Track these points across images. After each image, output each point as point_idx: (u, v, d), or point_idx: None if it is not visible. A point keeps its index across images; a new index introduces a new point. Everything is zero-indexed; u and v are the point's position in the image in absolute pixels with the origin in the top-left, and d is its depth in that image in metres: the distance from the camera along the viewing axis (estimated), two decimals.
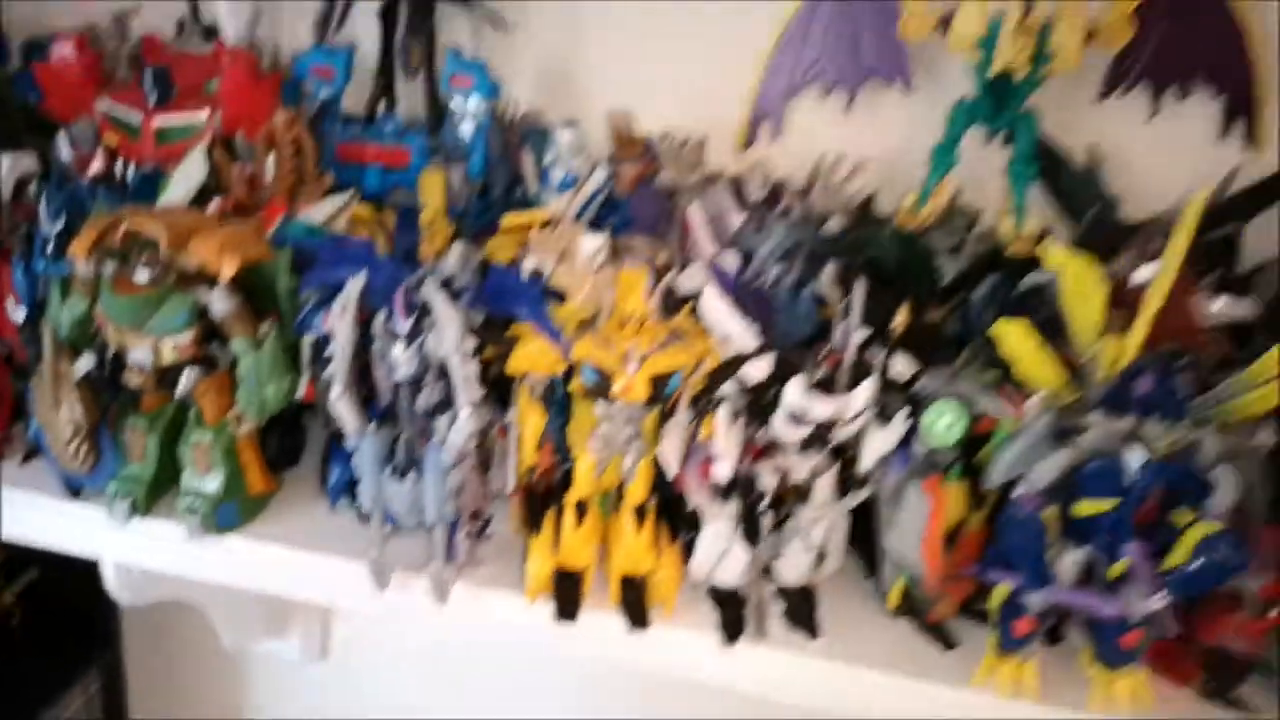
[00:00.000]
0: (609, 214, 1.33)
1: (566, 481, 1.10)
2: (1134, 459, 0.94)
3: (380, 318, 1.04)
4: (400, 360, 1.04)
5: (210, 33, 1.36)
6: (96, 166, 1.23)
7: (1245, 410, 0.98)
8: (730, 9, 1.34)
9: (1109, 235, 1.25)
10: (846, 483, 1.08)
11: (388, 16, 1.33)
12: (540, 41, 1.41)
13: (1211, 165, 1.27)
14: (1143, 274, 1.07)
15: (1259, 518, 0.98)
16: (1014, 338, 0.98)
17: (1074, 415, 0.97)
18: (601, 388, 1.04)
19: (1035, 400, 0.97)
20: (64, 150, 1.24)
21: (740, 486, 1.05)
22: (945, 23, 1.22)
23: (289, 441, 1.25)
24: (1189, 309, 1.08)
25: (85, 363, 1.11)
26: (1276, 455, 0.97)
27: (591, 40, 1.41)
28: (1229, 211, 1.27)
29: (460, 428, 1.04)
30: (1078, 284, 0.98)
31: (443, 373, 1.05)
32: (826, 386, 1.01)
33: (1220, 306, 1.09)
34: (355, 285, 1.03)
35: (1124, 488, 0.95)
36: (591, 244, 1.17)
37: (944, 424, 1.00)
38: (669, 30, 1.38)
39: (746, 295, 1.10)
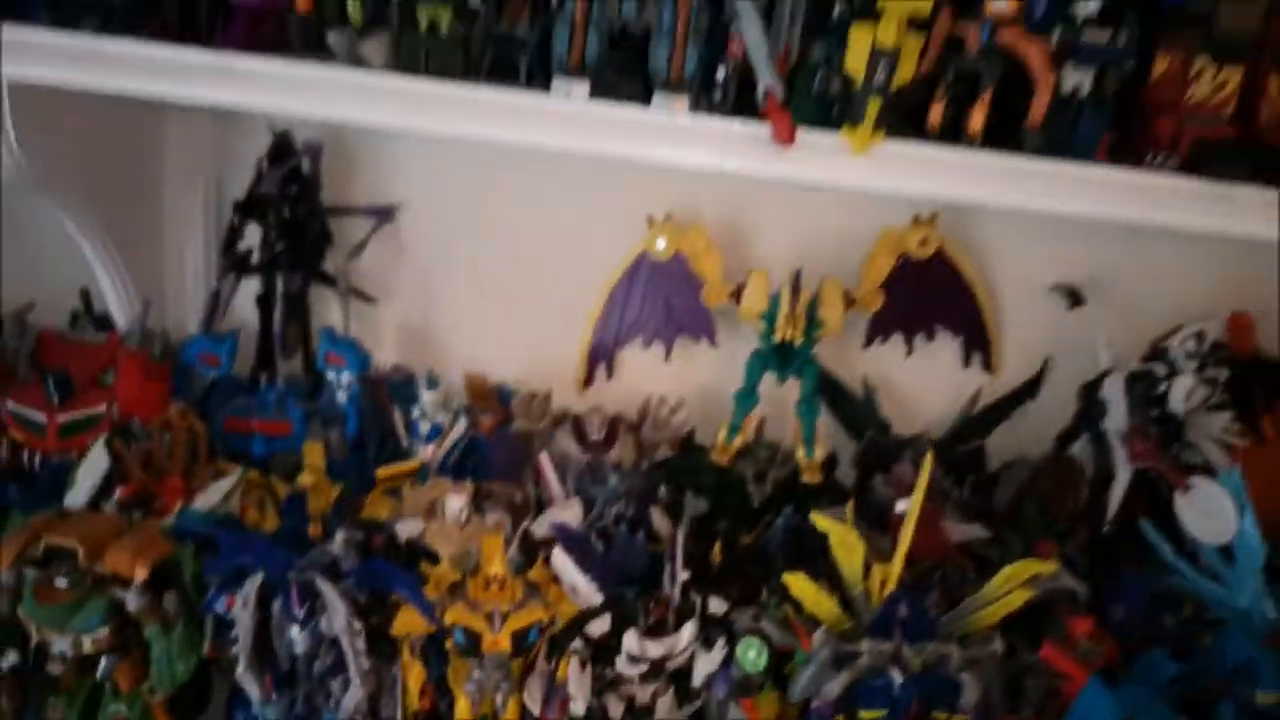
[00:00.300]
0: (470, 455, 1.55)
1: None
2: (896, 677, 1.20)
3: (277, 604, 1.22)
4: (297, 639, 1.22)
5: (102, 323, 1.53)
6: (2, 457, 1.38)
7: (981, 623, 1.25)
8: (562, 276, 1.58)
9: (882, 451, 1.54)
10: (682, 697, 1.31)
11: (264, 302, 1.52)
12: (401, 308, 1.62)
13: (960, 386, 1.58)
14: (901, 506, 1.34)
15: (998, 709, 1.25)
16: (798, 585, 1.23)
17: (851, 641, 1.22)
18: (472, 646, 1.24)
19: (819, 634, 1.22)
20: None
21: (594, 717, 1.27)
22: (738, 293, 1.49)
23: (196, 693, 1.40)
24: (938, 534, 1.36)
25: (10, 658, 1.25)
26: (1006, 659, 1.25)
27: (444, 304, 1.63)
28: (976, 427, 1.58)
29: (352, 694, 1.22)
30: (841, 544, 1.24)
31: (334, 643, 1.24)
32: (658, 631, 1.24)
33: (961, 532, 1.37)
34: (254, 582, 1.21)
35: (892, 698, 1.21)
36: (456, 503, 1.39)
37: (751, 656, 1.24)
38: (511, 293, 1.61)
39: (588, 543, 1.33)
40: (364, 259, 1.57)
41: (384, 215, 1.55)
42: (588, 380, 1.63)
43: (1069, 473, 1.48)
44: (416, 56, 1.04)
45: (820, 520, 1.25)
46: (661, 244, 1.50)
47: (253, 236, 1.51)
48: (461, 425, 1.54)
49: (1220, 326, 1.44)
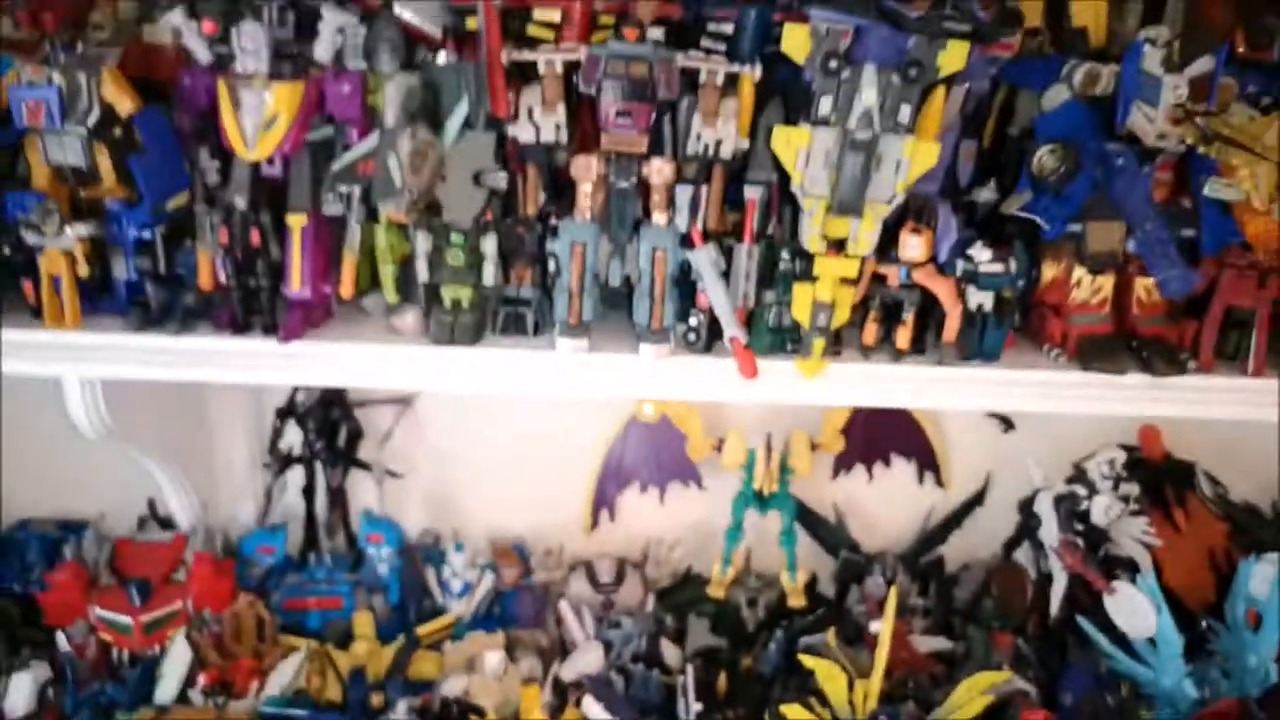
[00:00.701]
0: (496, 605, 1.77)
1: None
2: None
3: None
4: None
5: (167, 524, 1.74)
6: (91, 655, 1.59)
7: None
8: (564, 439, 1.81)
9: (855, 568, 1.78)
10: None
11: (308, 493, 1.74)
12: (425, 477, 1.84)
13: (918, 502, 1.83)
14: (874, 626, 1.58)
15: None
16: (793, 714, 1.46)
17: None
18: None
19: None
20: (63, 645, 1.59)
21: None
22: (719, 446, 1.72)
23: None
24: (908, 648, 1.59)
25: None
26: None
27: (463, 471, 1.85)
28: (935, 537, 1.83)
29: None
30: (826, 677, 1.47)
31: None
32: None
33: (928, 644, 1.61)
34: None
35: None
36: (494, 659, 1.61)
37: None
38: (521, 455, 1.83)
39: (612, 687, 1.56)
40: (390, 439, 1.79)
41: (405, 404, 1.77)
42: (593, 524, 1.86)
43: (1016, 576, 1.73)
44: (444, 331, 1.27)
45: (807, 660, 1.48)
46: (649, 410, 1.73)
47: (292, 435, 1.73)
48: (488, 580, 1.76)
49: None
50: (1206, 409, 1.29)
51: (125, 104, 1.22)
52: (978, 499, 1.82)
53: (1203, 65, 1.20)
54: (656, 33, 1.28)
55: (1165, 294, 1.23)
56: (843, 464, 1.79)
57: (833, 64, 1.11)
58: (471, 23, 1.29)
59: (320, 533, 1.76)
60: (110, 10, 1.35)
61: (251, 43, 1.19)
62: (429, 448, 1.83)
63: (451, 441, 1.84)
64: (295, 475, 1.76)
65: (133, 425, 1.48)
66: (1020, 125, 1.41)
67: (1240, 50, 1.37)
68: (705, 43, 1.30)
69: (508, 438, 1.82)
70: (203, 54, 1.23)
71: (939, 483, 1.83)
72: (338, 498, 1.74)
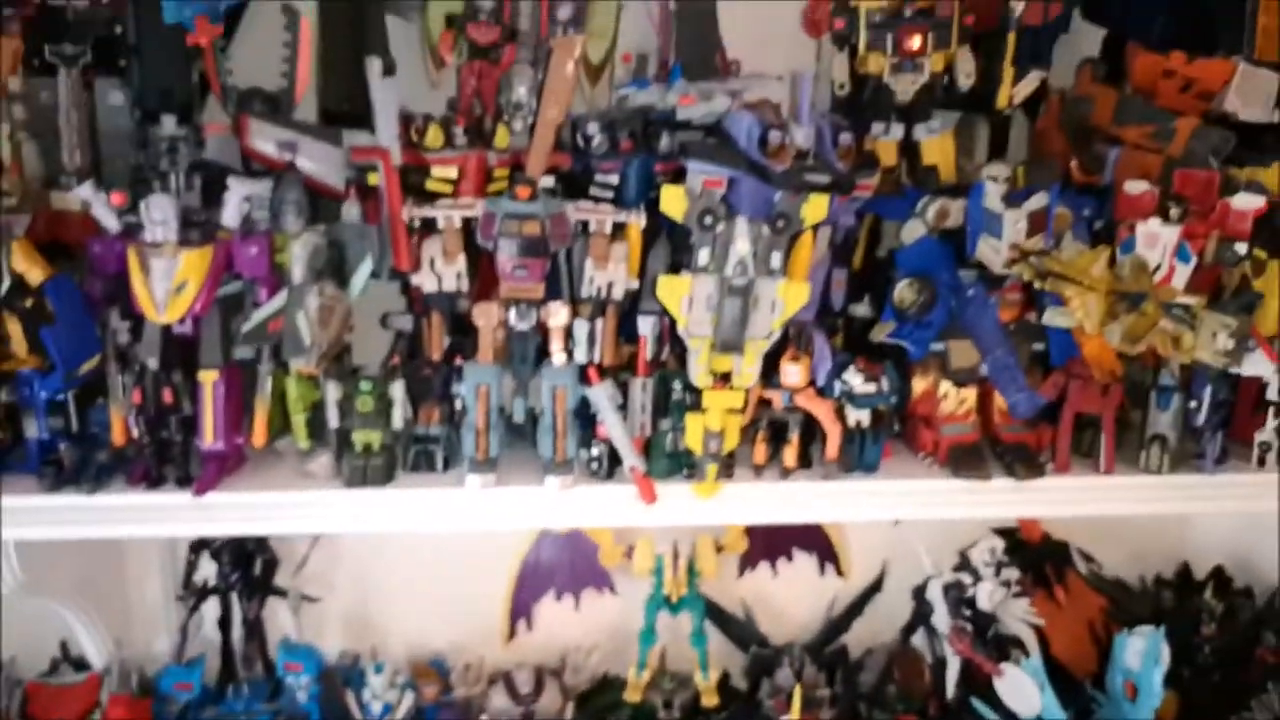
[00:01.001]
0: None
1: None
2: None
3: None
4: None
5: (80, 665, 1.72)
6: None
7: None
8: (479, 552, 1.86)
9: (765, 661, 1.86)
10: None
11: (224, 623, 1.75)
12: (342, 598, 1.87)
13: (821, 592, 1.92)
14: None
15: None
16: None
17: None
18: None
19: None
20: None
21: None
22: (629, 553, 1.79)
23: None
24: None
25: None
26: None
27: (380, 590, 1.89)
28: (838, 626, 1.92)
29: None
30: None
31: None
32: None
33: None
34: None
35: None
36: None
37: None
38: (436, 571, 1.87)
39: None
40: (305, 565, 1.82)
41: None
42: (512, 634, 1.90)
43: (914, 661, 1.83)
44: (357, 474, 1.33)
45: None
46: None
47: (207, 567, 1.75)
48: (409, 700, 1.79)
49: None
50: (1066, 508, 1.42)
51: (35, 274, 1.26)
52: (876, 586, 1.92)
53: (1038, 200, 1.35)
54: (548, 180, 1.39)
55: (1014, 415, 1.36)
56: (748, 562, 1.88)
57: (708, 220, 1.22)
58: (373, 178, 1.38)
59: (238, 664, 1.76)
60: (17, 177, 1.40)
61: (160, 213, 1.24)
62: (345, 569, 1.86)
63: (367, 560, 1.87)
64: (211, 607, 1.77)
65: (45, 576, 1.49)
66: (887, 247, 1.55)
67: (1075, 177, 1.54)
68: (593, 190, 1.41)
69: (423, 553, 1.86)
70: (112, 223, 1.28)
71: (839, 573, 1.92)
72: (254, 628, 1.76)
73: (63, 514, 1.30)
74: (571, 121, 1.43)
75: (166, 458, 1.32)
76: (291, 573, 1.79)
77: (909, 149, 1.50)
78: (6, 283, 1.25)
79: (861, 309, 1.53)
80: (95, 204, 1.27)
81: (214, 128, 1.42)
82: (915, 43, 1.41)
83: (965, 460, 1.40)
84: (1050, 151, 1.60)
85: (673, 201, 1.23)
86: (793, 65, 1.59)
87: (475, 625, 1.89)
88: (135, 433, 1.31)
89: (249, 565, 1.75)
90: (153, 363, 1.29)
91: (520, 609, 1.90)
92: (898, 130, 1.47)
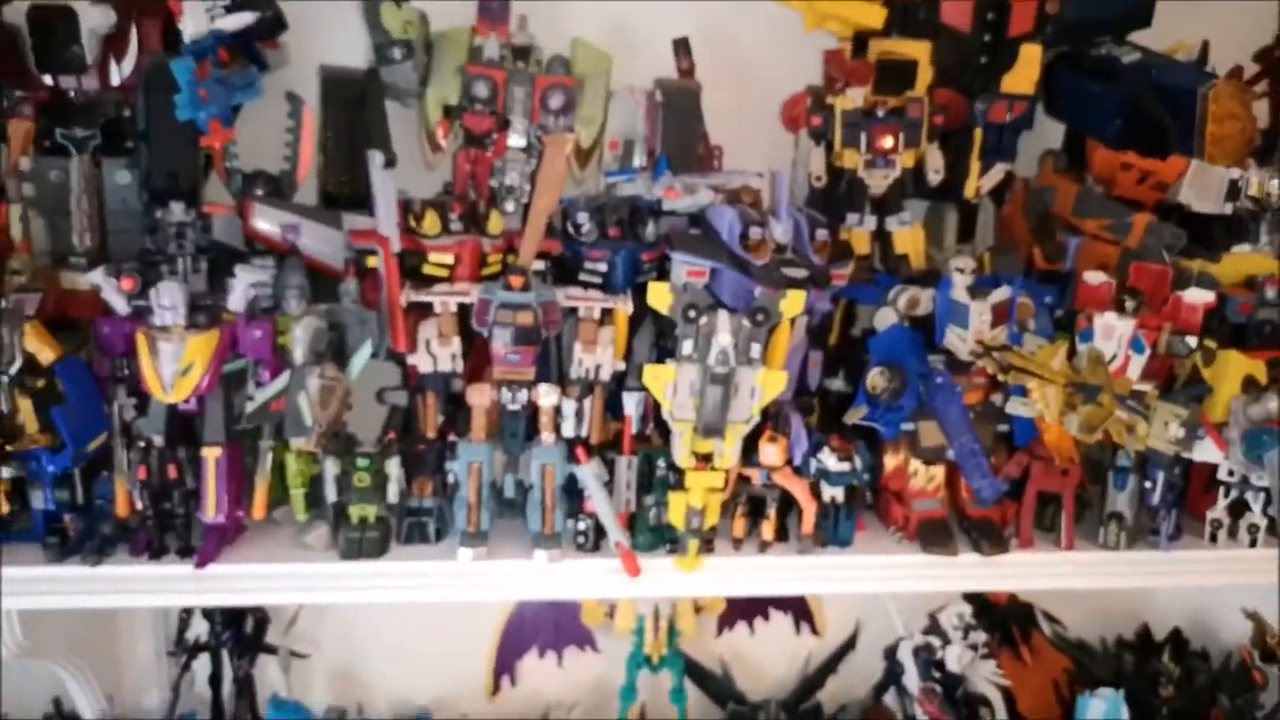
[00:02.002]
0: None
1: None
2: None
3: None
4: None
5: None
6: None
7: None
8: (463, 609, 1.91)
9: (742, 718, 1.92)
10: None
11: (214, 681, 1.79)
12: (329, 655, 1.92)
13: (796, 650, 1.98)
14: None
15: None
16: None
17: None
18: None
19: None
20: None
21: None
22: (611, 612, 1.85)
23: None
24: None
25: None
26: None
27: (366, 646, 1.94)
28: (814, 682, 1.98)
29: None
30: None
31: None
32: None
33: None
34: None
35: None
36: None
37: None
38: (422, 627, 1.92)
39: None
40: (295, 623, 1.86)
41: None
42: (495, 689, 1.96)
43: (885, 718, 1.89)
44: (353, 546, 1.38)
45: None
46: None
47: (199, 624, 1.79)
48: None
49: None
50: (1029, 581, 1.49)
51: (46, 354, 1.31)
52: (849, 645, 1.99)
53: (1002, 293, 1.43)
54: (538, 264, 1.46)
55: (979, 501, 1.43)
56: (726, 621, 1.94)
57: (691, 313, 1.29)
58: (372, 260, 1.45)
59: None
60: (27, 256, 1.45)
61: (170, 299, 1.30)
62: (332, 626, 1.91)
63: (353, 618, 1.92)
64: (202, 664, 1.81)
65: (45, 639, 1.53)
66: (860, 326, 1.63)
67: (1038, 263, 1.62)
68: (583, 276, 1.48)
69: (408, 610, 1.90)
70: (121, 306, 1.34)
71: (814, 631, 1.99)
72: (245, 685, 1.80)
73: (67, 584, 1.35)
74: (562, 208, 1.50)
75: (168, 529, 1.38)
76: (281, 631, 1.84)
77: (882, 237, 1.58)
78: (18, 362, 1.30)
79: (837, 384, 1.61)
80: (106, 288, 1.33)
81: (218, 209, 1.48)
82: (888, 142, 1.50)
83: (934, 536, 1.47)
84: (1015, 236, 1.69)
85: (659, 297, 1.30)
86: (771, 154, 1.69)
87: (460, 681, 1.94)
88: (139, 505, 1.36)
89: (240, 623, 1.79)
90: (158, 439, 1.34)
91: (504, 665, 1.95)
92: (870, 221, 1.56)
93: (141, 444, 1.35)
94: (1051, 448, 1.40)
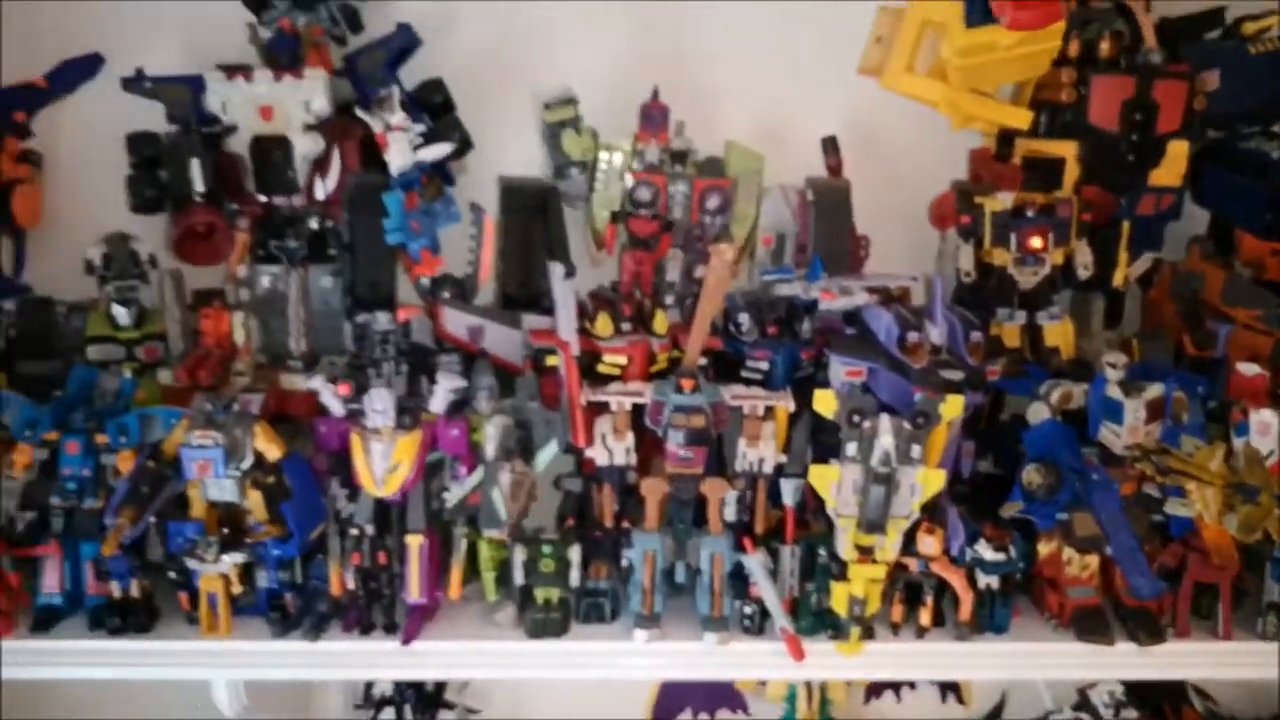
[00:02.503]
0: None
1: None
2: None
3: None
4: None
5: None
6: None
7: None
8: None
9: None
10: None
11: None
12: (499, 709, 2.05)
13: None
14: None
15: None
16: None
17: None
18: None
19: None
20: None
21: None
22: (763, 681, 1.94)
23: None
24: None
25: None
26: None
27: (533, 701, 2.07)
28: None
29: None
30: None
31: None
32: None
33: None
34: None
35: None
36: None
37: None
38: (584, 683, 2.03)
39: None
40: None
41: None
42: None
43: None
44: (538, 626, 1.51)
45: None
46: None
47: (384, 682, 1.95)
48: None
49: None
50: (1186, 671, 1.52)
51: (274, 452, 1.48)
52: (995, 715, 2.02)
53: (1155, 390, 1.47)
54: (702, 360, 1.57)
55: (1136, 598, 1.47)
56: (874, 690, 2.00)
57: (855, 418, 1.38)
58: (551, 360, 1.58)
59: None
60: (249, 358, 1.64)
61: (381, 404, 1.45)
62: (502, 682, 2.05)
63: (521, 674, 2.05)
64: (387, 716, 1.97)
65: (259, 698, 1.70)
66: (1010, 412, 1.68)
67: (1188, 350, 1.66)
68: (745, 374, 1.59)
69: None
70: (338, 409, 1.50)
71: (961, 701, 2.03)
72: None
73: (288, 657, 1.51)
74: (723, 307, 1.61)
75: (375, 607, 1.53)
76: (457, 689, 1.98)
77: (1031, 330, 1.64)
78: (249, 460, 1.47)
79: (986, 464, 1.67)
80: (325, 394, 1.49)
81: (411, 311, 1.65)
82: (1037, 242, 1.56)
83: (1089, 624, 1.51)
84: (1162, 321, 1.72)
85: (825, 403, 1.39)
86: (915, 245, 1.77)
87: None
88: (349, 585, 1.52)
89: (422, 682, 1.94)
90: (369, 529, 1.49)
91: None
92: (1020, 316, 1.62)
93: (354, 531, 1.50)
94: (1210, 546, 1.43)
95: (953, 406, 1.39)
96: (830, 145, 1.78)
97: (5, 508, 1.49)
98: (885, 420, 1.39)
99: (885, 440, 1.39)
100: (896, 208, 1.79)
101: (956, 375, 1.43)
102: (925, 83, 1.60)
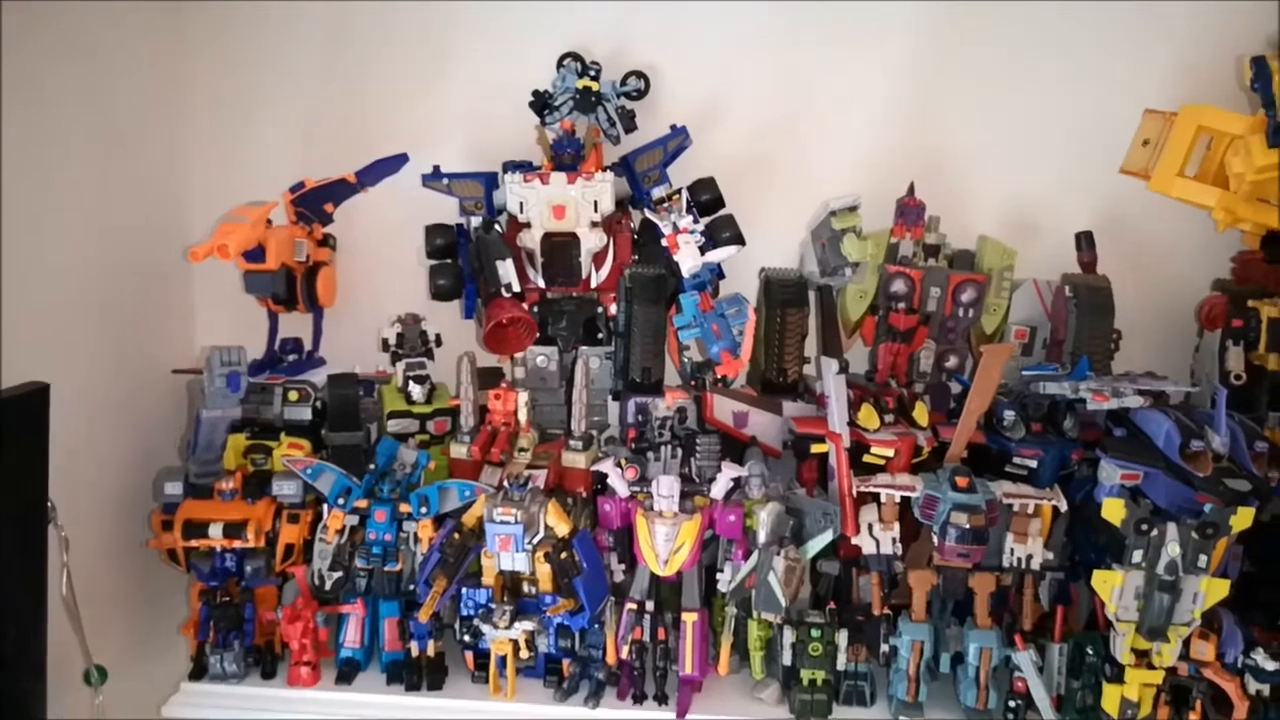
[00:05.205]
0: None
1: None
2: None
3: None
4: None
5: None
6: None
7: None
8: None
9: None
10: None
11: None
12: None
13: None
14: None
15: None
16: None
17: None
18: None
19: None
20: None
21: None
22: None
23: None
24: None
25: None
26: None
27: None
28: None
29: None
30: None
31: None
32: None
33: None
34: None
35: None
36: None
37: None
38: None
39: None
40: None
41: None
42: None
43: None
44: (805, 708, 1.57)
45: None
46: None
47: None
48: None
49: None
50: None
51: (562, 528, 1.59)
52: None
53: None
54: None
55: None
56: None
57: (1143, 526, 1.41)
58: (818, 448, 1.65)
59: None
60: (530, 435, 1.76)
61: (667, 489, 1.55)
62: None
63: None
64: None
65: None
66: (1269, 513, 1.66)
67: None
68: (1010, 469, 1.62)
69: None
70: (623, 490, 1.60)
71: None
72: None
73: None
74: None
75: (647, 677, 1.61)
76: None
77: None
78: (541, 533, 1.58)
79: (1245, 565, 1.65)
80: (613, 476, 1.60)
81: (678, 395, 1.74)
82: None
83: None
84: None
85: (1113, 510, 1.42)
86: (1168, 341, 1.79)
87: None
88: (623, 654, 1.61)
89: None
90: (649, 605, 1.59)
91: None
92: None
93: (632, 605, 1.60)
94: None
95: (1243, 518, 1.40)
96: (1085, 240, 1.81)
97: (318, 568, 1.64)
98: (1173, 529, 1.41)
99: (1173, 549, 1.41)
100: (1137, 303, 1.80)
101: (1243, 486, 1.44)
102: (1198, 188, 1.62)
